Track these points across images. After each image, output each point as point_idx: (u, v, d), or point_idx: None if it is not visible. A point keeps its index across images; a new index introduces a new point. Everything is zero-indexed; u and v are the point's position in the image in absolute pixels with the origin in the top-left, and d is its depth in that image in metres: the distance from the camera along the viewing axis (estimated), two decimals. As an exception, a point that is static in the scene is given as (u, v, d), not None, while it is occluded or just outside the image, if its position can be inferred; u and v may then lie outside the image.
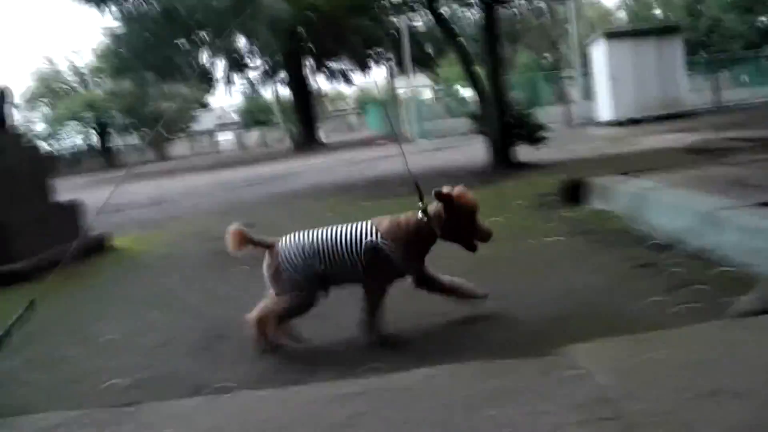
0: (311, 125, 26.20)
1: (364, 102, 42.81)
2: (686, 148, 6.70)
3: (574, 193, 4.48)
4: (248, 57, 26.75)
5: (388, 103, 22.82)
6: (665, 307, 2.37)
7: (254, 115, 41.64)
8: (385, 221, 2.31)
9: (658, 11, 34.44)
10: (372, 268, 2.27)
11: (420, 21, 21.69)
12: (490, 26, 7.82)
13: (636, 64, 14.71)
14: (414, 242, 2.29)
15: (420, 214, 2.29)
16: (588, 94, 17.20)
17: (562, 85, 20.03)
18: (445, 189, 2.27)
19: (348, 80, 27.82)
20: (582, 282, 2.81)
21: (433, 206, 2.29)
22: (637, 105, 14.73)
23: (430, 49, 24.00)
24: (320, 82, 29.32)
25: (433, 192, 2.25)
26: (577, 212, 4.24)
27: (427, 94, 42.62)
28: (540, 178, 6.14)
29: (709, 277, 2.64)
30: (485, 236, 2.35)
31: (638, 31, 15.57)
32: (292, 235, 2.34)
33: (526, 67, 32.44)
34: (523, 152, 8.10)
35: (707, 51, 26.03)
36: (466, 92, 31.33)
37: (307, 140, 24.80)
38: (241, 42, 25.47)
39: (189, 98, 34.63)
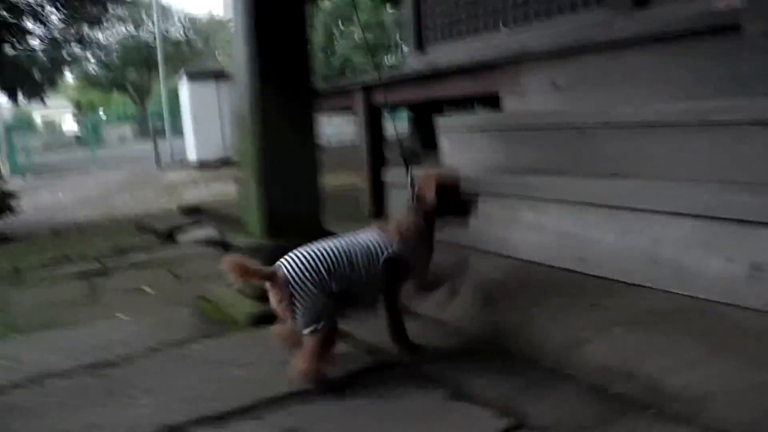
0: None
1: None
2: (182, 207, 6.11)
3: None
4: None
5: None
6: None
7: None
8: (391, 227, 2.09)
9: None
10: (392, 279, 2.05)
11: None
12: None
13: (219, 105, 14.44)
14: (424, 238, 2.11)
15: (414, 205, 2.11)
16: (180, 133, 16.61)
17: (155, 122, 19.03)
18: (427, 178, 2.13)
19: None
20: None
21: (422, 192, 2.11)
22: (222, 146, 14.46)
23: (37, 76, 21.11)
24: None
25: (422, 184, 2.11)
26: None
27: (67, 121, 38.81)
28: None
29: None
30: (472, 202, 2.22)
31: (220, 72, 15.36)
32: (297, 257, 1.97)
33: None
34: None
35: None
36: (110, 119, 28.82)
37: None
38: None
39: None
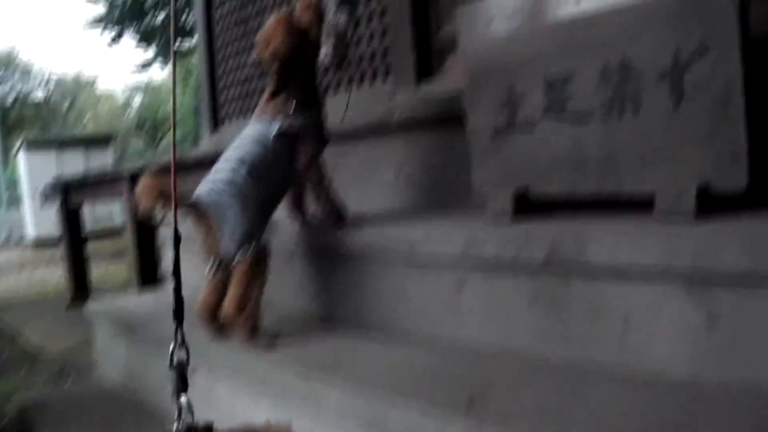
0: None
1: None
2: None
3: None
4: None
5: None
6: None
7: None
8: (270, 107, 1.92)
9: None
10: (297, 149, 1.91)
11: None
12: None
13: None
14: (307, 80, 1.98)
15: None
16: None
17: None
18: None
19: None
20: None
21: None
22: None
23: None
24: None
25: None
26: None
27: None
28: None
29: None
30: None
31: (65, 140, 14.21)
32: (211, 184, 1.79)
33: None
34: None
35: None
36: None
37: None
38: None
39: None
